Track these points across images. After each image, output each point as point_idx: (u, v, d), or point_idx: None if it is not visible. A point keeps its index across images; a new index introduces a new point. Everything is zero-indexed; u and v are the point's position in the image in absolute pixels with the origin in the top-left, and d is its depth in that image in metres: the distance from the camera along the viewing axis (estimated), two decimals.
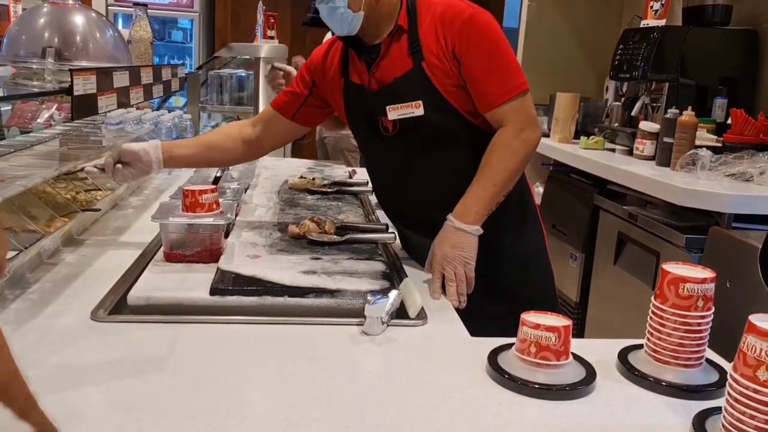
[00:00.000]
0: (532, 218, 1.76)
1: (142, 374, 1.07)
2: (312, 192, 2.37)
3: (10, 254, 1.33)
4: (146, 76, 1.98)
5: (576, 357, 1.16)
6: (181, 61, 6.88)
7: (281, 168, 2.80)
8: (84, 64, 1.82)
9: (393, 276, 1.53)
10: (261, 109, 3.48)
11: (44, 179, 1.58)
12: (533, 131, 1.54)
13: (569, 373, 1.11)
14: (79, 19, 1.88)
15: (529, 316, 1.13)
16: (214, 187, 1.56)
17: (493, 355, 1.17)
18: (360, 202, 2.31)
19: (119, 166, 1.66)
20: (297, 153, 4.18)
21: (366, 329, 1.27)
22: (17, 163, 1.76)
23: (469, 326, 1.37)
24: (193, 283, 1.39)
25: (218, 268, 1.45)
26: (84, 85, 1.40)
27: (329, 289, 1.37)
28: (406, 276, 1.54)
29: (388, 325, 1.29)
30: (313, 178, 2.48)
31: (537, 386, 1.08)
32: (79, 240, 1.76)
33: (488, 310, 1.56)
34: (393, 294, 1.33)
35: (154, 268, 1.47)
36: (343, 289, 1.38)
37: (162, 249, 1.55)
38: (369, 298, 1.28)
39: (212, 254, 1.52)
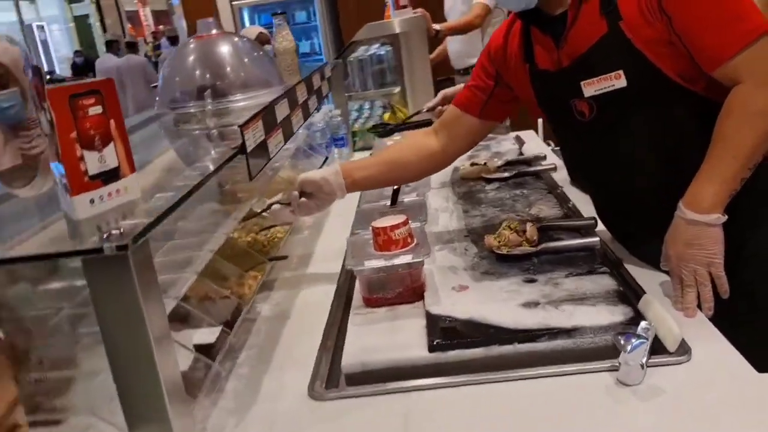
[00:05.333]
0: None
1: None
2: (488, 180, 2.16)
3: (215, 331, 1.26)
4: (301, 94, 1.85)
5: None
6: (308, 41, 6.86)
7: None
8: (239, 97, 1.71)
9: (628, 293, 1.29)
10: (408, 85, 3.28)
11: (227, 234, 1.51)
12: None
13: None
14: (225, 49, 1.78)
15: None
16: (405, 218, 1.39)
17: None
18: (545, 184, 2.07)
19: (303, 199, 1.55)
20: None
21: (623, 378, 1.06)
22: (190, 213, 1.71)
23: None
24: (405, 336, 1.24)
25: (427, 312, 1.30)
26: (254, 136, 1.28)
27: (564, 328, 1.17)
28: (643, 291, 1.29)
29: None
30: (485, 163, 2.27)
31: None
32: (268, 281, 1.69)
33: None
34: (644, 327, 1.10)
35: (356, 319, 1.34)
36: (580, 327, 1.17)
37: (359, 291, 1.42)
38: (621, 341, 1.06)
39: (415, 292, 1.37)
